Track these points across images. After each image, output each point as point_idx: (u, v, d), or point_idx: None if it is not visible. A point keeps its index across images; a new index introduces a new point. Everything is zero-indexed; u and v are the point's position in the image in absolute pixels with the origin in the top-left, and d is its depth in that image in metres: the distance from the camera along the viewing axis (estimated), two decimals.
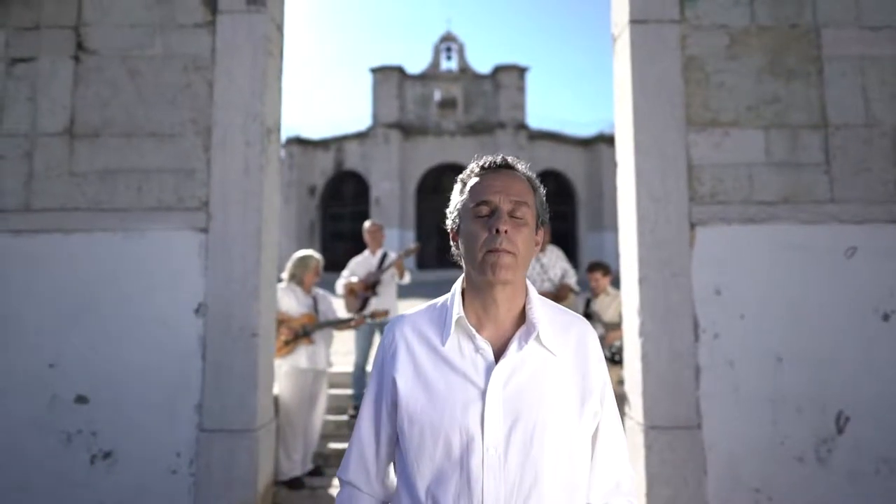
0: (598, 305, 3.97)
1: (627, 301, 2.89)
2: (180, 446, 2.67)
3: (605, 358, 3.80)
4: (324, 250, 23.19)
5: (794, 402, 2.62)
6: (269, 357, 2.93)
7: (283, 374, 3.66)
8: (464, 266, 1.01)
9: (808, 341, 2.65)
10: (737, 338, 2.67)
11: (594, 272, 4.02)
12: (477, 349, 0.95)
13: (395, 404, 0.98)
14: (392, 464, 1.05)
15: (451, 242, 1.03)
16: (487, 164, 1.00)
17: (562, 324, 1.01)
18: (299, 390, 3.66)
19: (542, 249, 4.49)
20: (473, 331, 0.96)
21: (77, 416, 2.68)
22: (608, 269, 4.09)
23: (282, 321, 3.66)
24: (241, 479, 2.67)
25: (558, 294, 4.33)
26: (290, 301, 3.75)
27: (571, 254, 22.15)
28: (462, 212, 1.00)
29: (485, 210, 0.95)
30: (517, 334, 0.97)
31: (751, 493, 2.59)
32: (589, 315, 3.96)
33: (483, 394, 0.92)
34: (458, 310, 0.97)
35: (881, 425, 2.59)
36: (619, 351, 3.66)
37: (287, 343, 3.65)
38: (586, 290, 4.22)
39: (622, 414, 3.09)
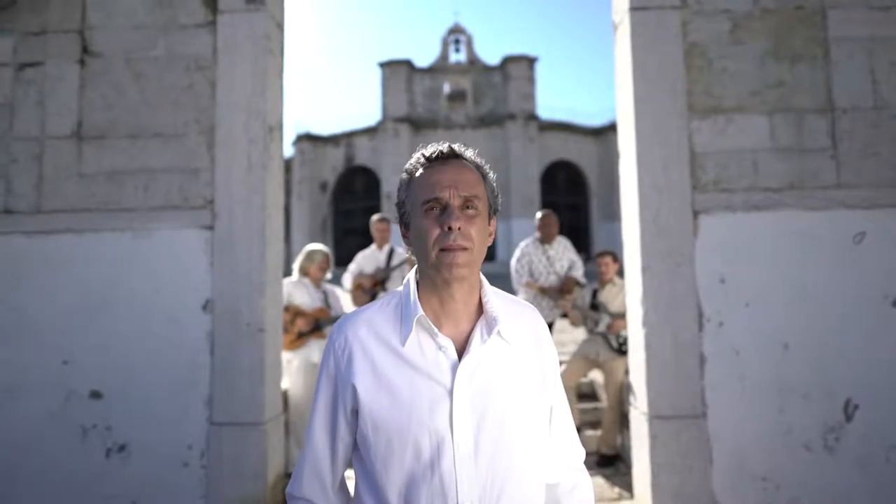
0: (605, 296, 3.95)
1: (631, 291, 2.88)
2: (191, 439, 2.73)
3: (613, 349, 3.82)
4: (336, 246, 23.34)
5: (801, 389, 2.60)
6: (276, 352, 2.97)
7: (295, 368, 3.70)
8: (416, 262, 0.97)
9: (815, 328, 2.62)
10: (742, 326, 2.64)
11: (604, 257, 4.01)
12: (439, 347, 0.92)
13: (354, 412, 0.94)
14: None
15: (402, 238, 0.99)
16: (434, 153, 0.95)
17: (514, 313, 1.00)
18: (311, 384, 3.71)
19: (550, 241, 4.46)
20: (435, 329, 0.92)
21: (92, 410, 2.75)
22: (617, 256, 4.08)
23: (297, 314, 3.70)
24: (250, 471, 2.72)
25: (563, 287, 4.31)
26: (302, 295, 3.80)
27: (584, 245, 22.03)
28: (411, 207, 0.95)
29: (435, 206, 0.91)
30: (478, 329, 0.94)
31: (757, 482, 2.58)
32: (595, 306, 3.94)
33: (450, 392, 0.90)
34: (416, 308, 0.93)
35: (891, 412, 2.55)
36: (626, 342, 3.65)
37: (301, 336, 3.69)
38: (594, 279, 4.20)
39: (628, 404, 3.08)
